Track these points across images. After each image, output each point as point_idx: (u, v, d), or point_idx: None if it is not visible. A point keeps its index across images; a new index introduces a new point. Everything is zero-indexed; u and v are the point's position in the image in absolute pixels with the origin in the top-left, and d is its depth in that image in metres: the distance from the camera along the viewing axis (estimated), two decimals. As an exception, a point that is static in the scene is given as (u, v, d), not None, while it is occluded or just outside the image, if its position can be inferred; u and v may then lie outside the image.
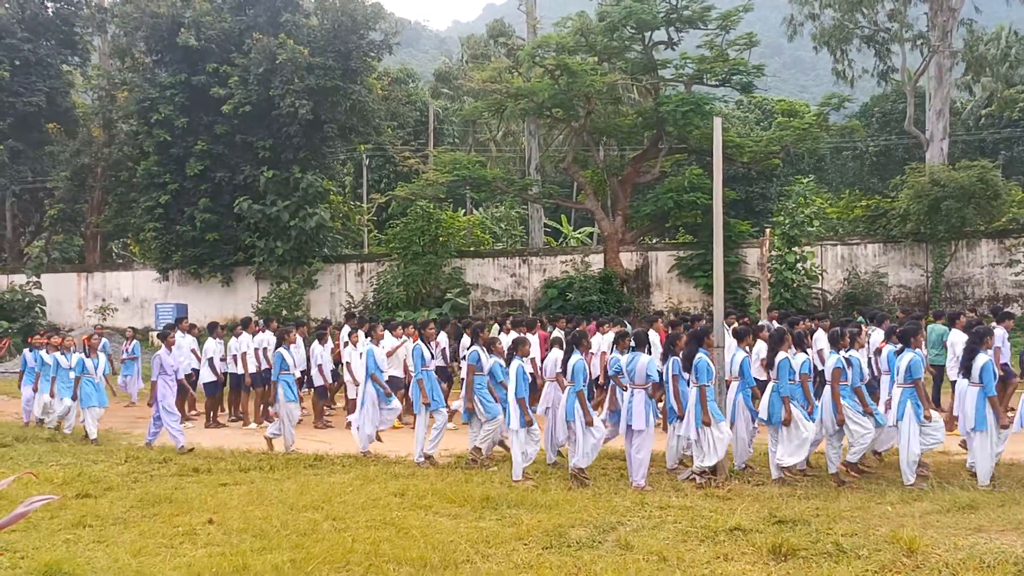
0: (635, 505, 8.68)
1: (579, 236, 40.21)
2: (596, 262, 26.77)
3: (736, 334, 10.94)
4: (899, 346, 10.07)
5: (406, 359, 13.55)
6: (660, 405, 11.02)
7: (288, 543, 7.48)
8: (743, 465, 10.52)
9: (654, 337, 12.49)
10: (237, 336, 15.85)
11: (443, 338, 15.38)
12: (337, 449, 12.25)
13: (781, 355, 9.97)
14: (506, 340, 13.87)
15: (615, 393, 10.64)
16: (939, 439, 9.61)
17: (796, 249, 24.26)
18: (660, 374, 10.18)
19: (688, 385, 9.97)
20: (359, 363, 15.22)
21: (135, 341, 19.23)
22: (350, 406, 15.31)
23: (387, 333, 14.12)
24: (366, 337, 12.56)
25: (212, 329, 16.30)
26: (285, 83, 27.33)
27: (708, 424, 9.59)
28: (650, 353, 10.17)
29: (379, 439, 12.24)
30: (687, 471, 10.07)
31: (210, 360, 15.77)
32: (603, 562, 6.81)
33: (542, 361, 12.97)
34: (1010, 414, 10.41)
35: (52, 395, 14.81)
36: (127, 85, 30.30)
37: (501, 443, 11.34)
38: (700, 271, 26.04)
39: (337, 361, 15.98)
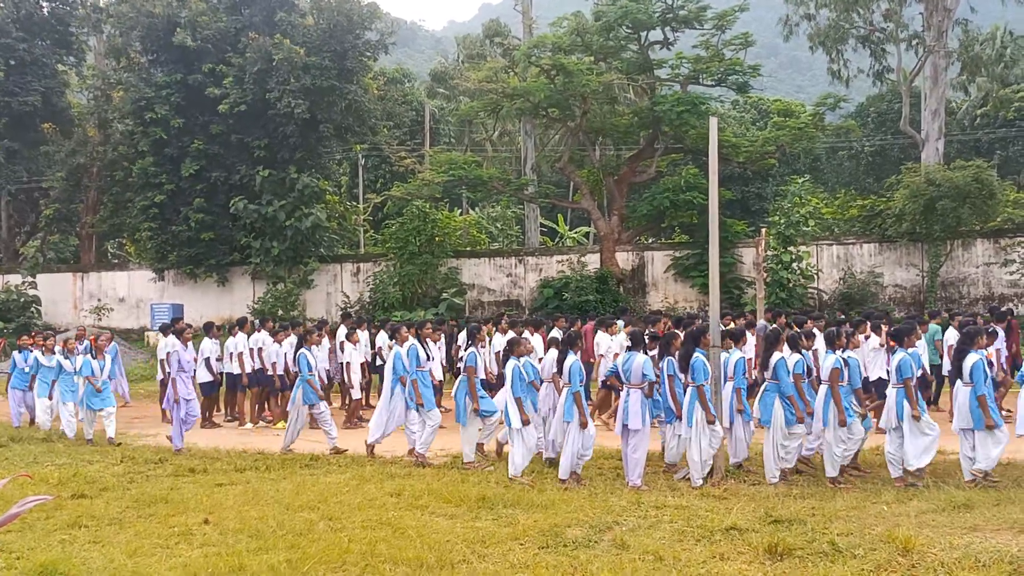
0: (631, 505, 8.68)
1: (575, 236, 40.23)
2: (592, 262, 26.78)
3: (730, 334, 10.95)
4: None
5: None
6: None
7: (284, 543, 7.46)
8: (739, 465, 10.53)
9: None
10: (234, 335, 15.83)
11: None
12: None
13: (776, 355, 9.97)
14: (503, 340, 13.93)
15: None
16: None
17: (792, 249, 24.30)
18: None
19: (684, 385, 9.99)
20: (358, 363, 15.23)
21: (112, 342, 18.86)
22: (354, 407, 15.30)
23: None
24: (390, 339, 12.34)
25: (208, 329, 16.27)
26: (281, 83, 27.31)
27: (712, 422, 9.61)
28: (646, 353, 10.18)
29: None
30: (683, 471, 10.08)
31: (206, 360, 15.72)
32: (599, 562, 6.81)
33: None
34: (1004, 413, 10.44)
35: (51, 397, 14.66)
36: (123, 85, 30.25)
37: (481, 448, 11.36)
38: (696, 271, 26.05)
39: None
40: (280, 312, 26.52)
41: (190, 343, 14.20)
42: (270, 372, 15.42)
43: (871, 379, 13.02)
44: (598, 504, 8.75)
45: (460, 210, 39.03)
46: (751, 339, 12.13)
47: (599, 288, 25.14)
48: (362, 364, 15.53)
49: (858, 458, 10.38)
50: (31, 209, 36.51)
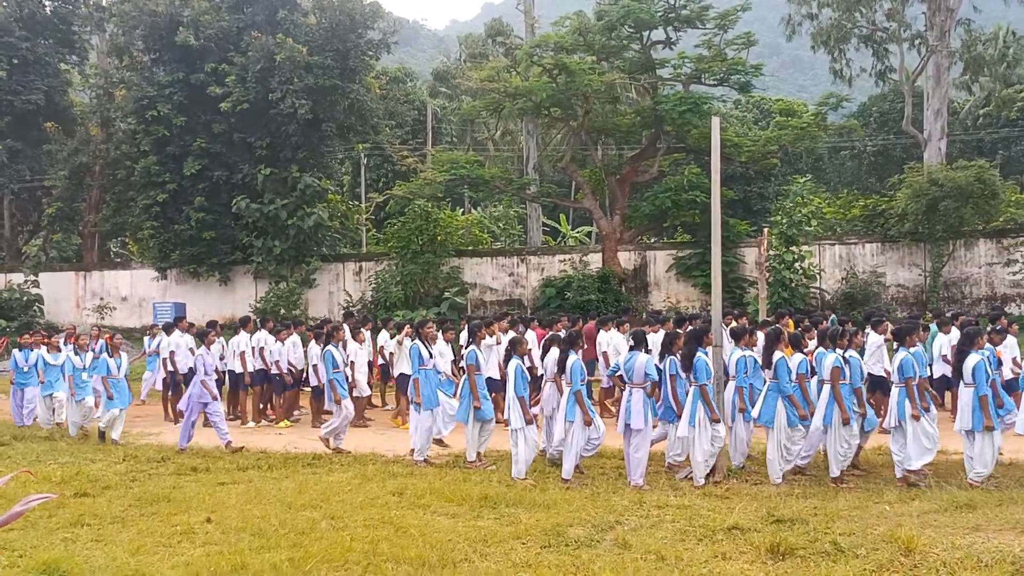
0: (633, 504, 8.68)
1: (577, 235, 40.22)
2: (594, 261, 26.78)
3: (733, 333, 10.94)
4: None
5: (499, 360, 13.43)
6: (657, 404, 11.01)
7: (286, 542, 7.47)
8: (741, 464, 10.53)
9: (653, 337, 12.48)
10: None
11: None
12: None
13: (778, 355, 9.96)
14: (503, 339, 13.92)
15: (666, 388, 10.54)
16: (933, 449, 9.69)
17: (794, 248, 24.28)
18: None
19: (687, 385, 9.98)
20: (363, 362, 15.19)
21: (100, 340, 18.68)
22: (360, 406, 15.29)
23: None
24: (471, 339, 12.21)
25: (211, 328, 16.26)
26: (283, 82, 27.33)
27: (717, 421, 9.60)
28: (648, 352, 10.17)
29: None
30: (685, 470, 10.08)
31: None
32: (601, 561, 6.82)
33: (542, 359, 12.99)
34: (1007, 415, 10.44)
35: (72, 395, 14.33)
36: (125, 84, 30.28)
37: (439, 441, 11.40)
38: (698, 270, 26.05)
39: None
40: (282, 311, 26.52)
41: (213, 345, 14.01)
42: (274, 371, 15.43)
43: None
44: (600, 503, 8.75)
45: (462, 209, 39.00)
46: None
47: (601, 288, 25.14)
48: (368, 363, 15.54)
49: (858, 457, 10.38)
50: (34, 208, 36.55)
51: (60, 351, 15.05)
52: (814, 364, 10.26)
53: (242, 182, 28.64)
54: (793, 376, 9.91)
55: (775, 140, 26.22)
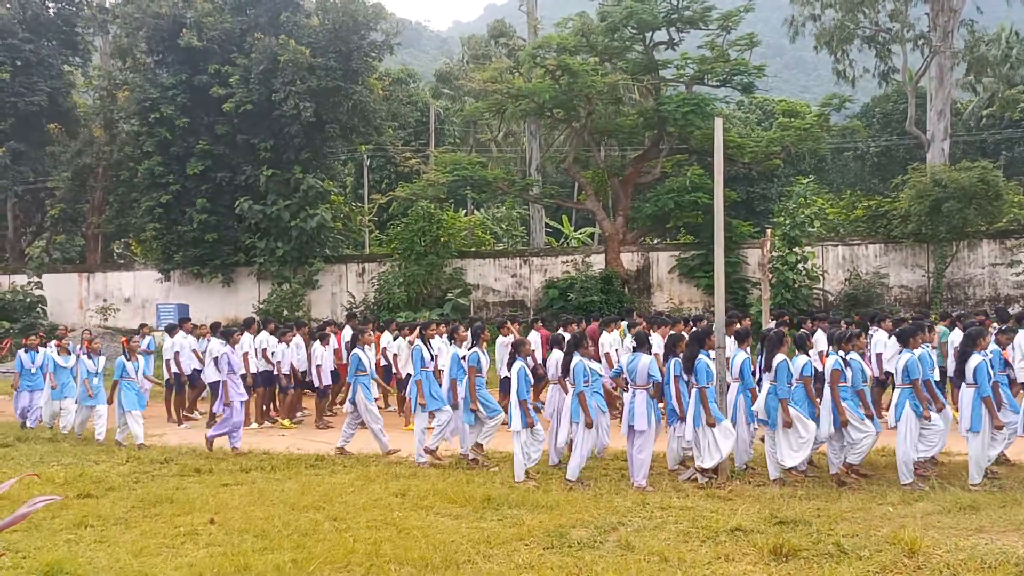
0: (636, 505, 8.68)
1: (580, 236, 40.22)
2: (597, 262, 26.79)
3: (737, 336, 10.94)
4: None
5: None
6: (661, 406, 11.01)
7: (289, 543, 7.48)
8: (744, 466, 10.52)
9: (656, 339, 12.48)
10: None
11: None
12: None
13: (779, 357, 9.94)
14: (505, 341, 13.93)
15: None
16: (934, 445, 9.67)
17: (797, 250, 24.27)
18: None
19: (688, 386, 9.97)
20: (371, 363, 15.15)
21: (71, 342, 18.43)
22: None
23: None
24: (450, 341, 12.17)
25: (215, 329, 16.29)
26: (286, 83, 27.37)
27: (712, 425, 9.58)
28: (651, 353, 10.16)
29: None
30: (688, 471, 10.07)
31: (215, 359, 15.69)
32: (604, 562, 6.82)
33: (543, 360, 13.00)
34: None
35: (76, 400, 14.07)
36: (128, 85, 30.34)
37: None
38: (701, 271, 26.04)
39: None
40: (285, 313, 26.56)
41: (238, 345, 13.87)
42: (276, 372, 15.43)
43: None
44: (603, 505, 8.75)
45: (465, 211, 39.03)
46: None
47: (604, 289, 25.14)
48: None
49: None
50: (37, 209, 36.62)
51: (70, 354, 14.84)
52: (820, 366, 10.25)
53: (245, 183, 28.68)
54: (796, 378, 9.90)
55: (778, 141, 26.23)
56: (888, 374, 12.71)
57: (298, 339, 15.83)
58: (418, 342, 12.07)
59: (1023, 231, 24.61)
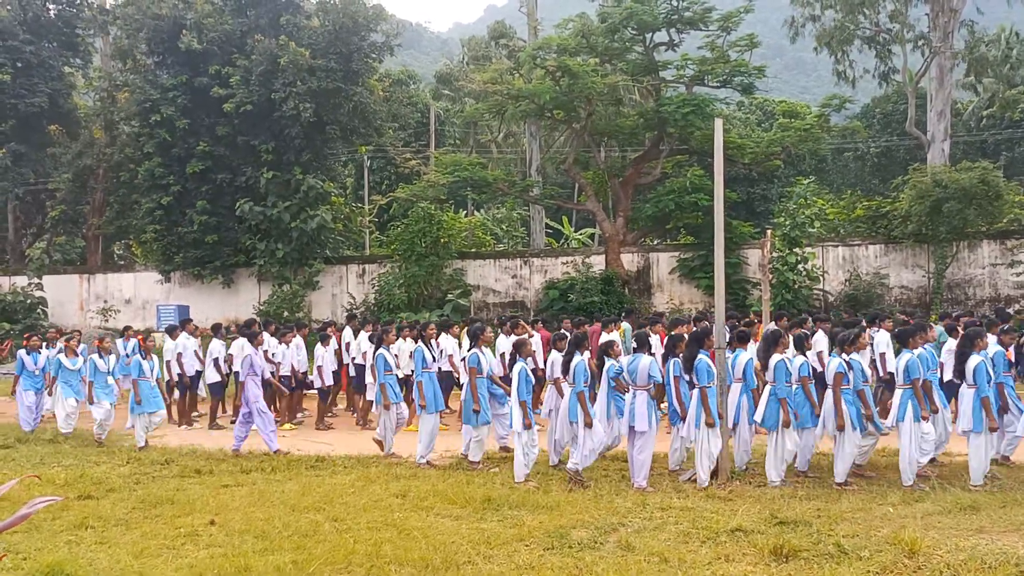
0: (636, 506, 8.68)
1: (580, 237, 40.24)
2: (597, 263, 26.79)
3: (739, 336, 10.94)
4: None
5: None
6: (662, 406, 11.03)
7: (290, 544, 7.49)
8: (744, 466, 10.52)
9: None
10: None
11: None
12: (339, 450, 12.25)
13: (776, 357, 9.95)
14: (507, 342, 13.93)
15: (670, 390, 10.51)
16: (930, 448, 9.68)
17: (797, 250, 24.26)
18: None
19: (689, 387, 9.98)
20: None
21: (82, 344, 18.31)
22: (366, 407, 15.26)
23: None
24: (473, 341, 12.08)
25: (216, 330, 16.30)
26: (287, 85, 27.37)
27: (711, 425, 9.59)
28: (652, 354, 10.17)
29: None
30: (688, 472, 10.07)
31: (215, 360, 15.72)
32: (604, 563, 6.82)
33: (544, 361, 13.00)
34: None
35: (92, 401, 13.83)
36: (128, 87, 30.35)
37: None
38: (701, 272, 26.04)
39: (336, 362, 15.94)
40: (285, 314, 26.56)
41: (261, 346, 13.74)
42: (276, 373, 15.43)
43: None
44: (603, 506, 8.75)
45: (465, 211, 39.05)
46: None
47: (604, 289, 25.13)
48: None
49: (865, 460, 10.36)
50: (38, 211, 36.63)
51: (78, 355, 14.64)
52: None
53: (245, 184, 28.68)
54: (794, 378, 9.90)
55: (778, 142, 26.22)
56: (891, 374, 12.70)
57: (298, 340, 15.85)
58: (420, 343, 12.08)
59: (1023, 232, 24.61)
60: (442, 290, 27.12)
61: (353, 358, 15.69)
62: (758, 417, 10.06)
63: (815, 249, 25.45)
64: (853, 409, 9.59)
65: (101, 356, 13.85)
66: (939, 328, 14.44)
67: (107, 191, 33.12)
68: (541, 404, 12.29)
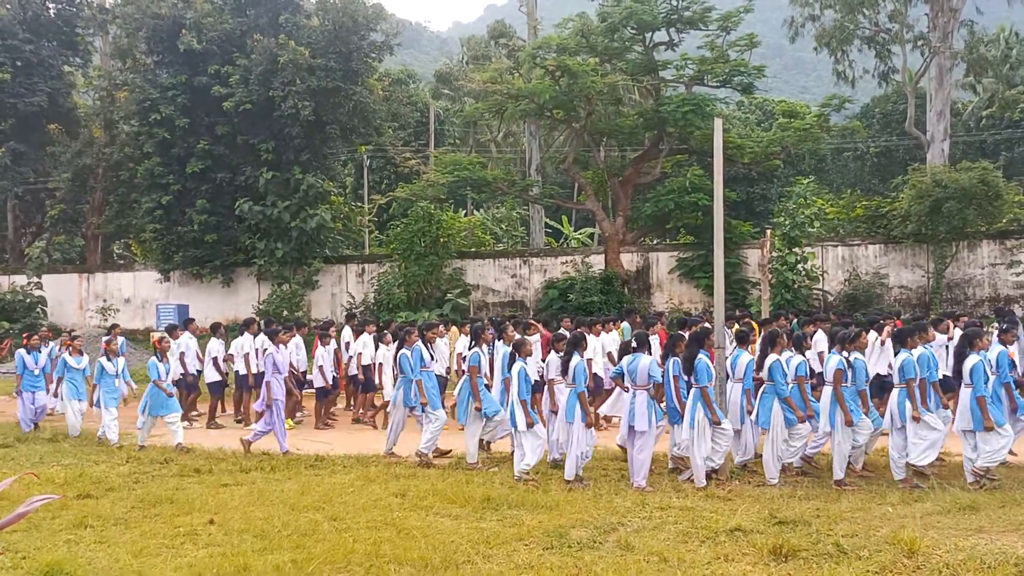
0: (636, 506, 8.68)
1: (580, 237, 40.24)
2: (597, 263, 26.79)
3: (739, 336, 10.94)
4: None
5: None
6: (661, 406, 11.01)
7: (289, 544, 7.48)
8: (743, 465, 10.52)
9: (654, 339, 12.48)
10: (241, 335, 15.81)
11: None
12: (338, 450, 12.25)
13: (772, 357, 9.95)
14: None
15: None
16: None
17: (797, 250, 24.27)
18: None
19: (688, 387, 9.98)
20: (389, 364, 14.93)
21: (121, 338, 18.09)
22: (382, 407, 15.22)
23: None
24: (498, 339, 12.02)
25: (215, 329, 16.29)
26: (286, 84, 27.36)
27: (718, 423, 9.59)
28: (651, 354, 10.17)
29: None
30: (687, 472, 10.08)
31: (214, 360, 15.71)
32: (604, 563, 6.82)
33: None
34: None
35: (93, 404, 13.65)
36: (128, 86, 30.34)
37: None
38: (701, 272, 26.05)
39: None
40: (285, 313, 26.56)
41: (282, 345, 13.61)
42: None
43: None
44: (603, 505, 8.75)
45: (465, 211, 39.05)
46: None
47: (604, 289, 25.13)
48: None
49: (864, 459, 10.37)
50: (37, 210, 36.62)
51: (82, 355, 14.49)
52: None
53: (245, 184, 28.68)
54: (791, 378, 9.90)
55: (778, 141, 26.22)
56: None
57: (297, 339, 15.83)
58: (419, 343, 12.06)
59: (1023, 231, 24.61)
60: (441, 289, 27.12)
61: (360, 355, 15.65)
62: (754, 417, 10.07)
63: (814, 249, 25.45)
64: (851, 405, 9.62)
65: (109, 359, 13.60)
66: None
67: (107, 190, 33.11)
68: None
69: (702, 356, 9.82)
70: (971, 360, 9.55)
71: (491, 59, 41.93)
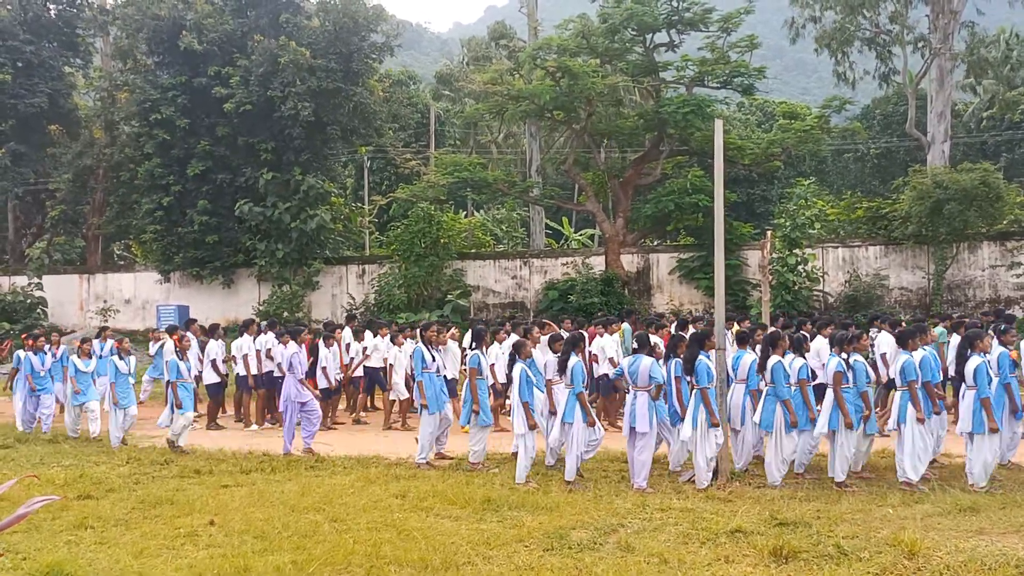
0: (636, 507, 8.68)
1: (580, 238, 40.26)
2: (597, 264, 26.78)
3: (740, 337, 10.94)
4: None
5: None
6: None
7: (289, 544, 7.48)
8: (744, 468, 10.51)
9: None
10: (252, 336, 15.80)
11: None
12: (339, 451, 12.25)
13: (774, 359, 9.94)
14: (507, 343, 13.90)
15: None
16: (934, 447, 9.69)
17: (797, 251, 24.26)
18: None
19: (689, 388, 9.98)
20: (402, 365, 14.92)
21: (63, 347, 16.44)
22: (402, 407, 15.21)
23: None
24: (476, 342, 11.97)
25: (213, 331, 16.27)
26: (287, 85, 27.37)
27: (717, 426, 9.58)
28: (652, 355, 10.15)
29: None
30: (688, 473, 10.07)
31: (213, 361, 15.70)
32: (604, 564, 6.82)
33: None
34: None
35: (116, 402, 13.35)
36: (129, 87, 30.34)
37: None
38: (701, 273, 26.04)
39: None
40: (285, 314, 26.55)
41: (237, 346, 13.54)
42: (277, 374, 15.40)
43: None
44: (603, 506, 8.75)
45: (465, 212, 39.06)
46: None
47: (604, 290, 25.13)
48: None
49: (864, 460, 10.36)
50: (37, 211, 36.62)
51: (91, 357, 14.32)
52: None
53: (245, 185, 28.68)
54: (793, 380, 9.89)
55: (778, 143, 26.22)
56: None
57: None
58: (419, 344, 12.05)
59: (1023, 233, 24.60)
60: (442, 291, 27.12)
61: (368, 354, 15.66)
62: (756, 418, 10.07)
63: (815, 250, 25.44)
64: (851, 408, 9.61)
65: (122, 358, 13.44)
66: (939, 329, 14.45)
67: (107, 191, 33.11)
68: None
69: (702, 357, 9.81)
70: (973, 362, 9.55)
71: (491, 60, 41.97)
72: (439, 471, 10.82)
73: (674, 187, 25.74)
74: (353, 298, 29.23)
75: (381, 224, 37.38)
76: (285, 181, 28.23)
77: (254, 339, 15.68)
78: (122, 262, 39.01)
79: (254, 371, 15.50)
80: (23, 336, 16.19)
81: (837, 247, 26.13)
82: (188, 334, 14.69)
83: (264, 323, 17.31)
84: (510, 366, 10.68)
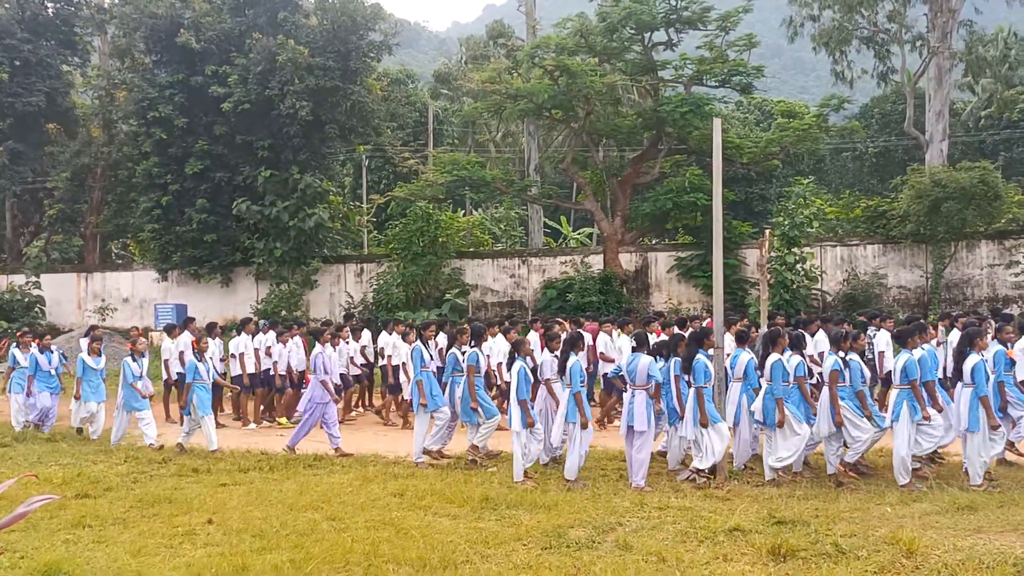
0: (634, 506, 8.68)
1: (578, 237, 40.25)
2: (595, 263, 26.78)
3: (739, 336, 10.95)
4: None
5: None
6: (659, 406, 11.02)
7: (287, 543, 7.48)
8: (743, 466, 10.52)
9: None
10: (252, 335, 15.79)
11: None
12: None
13: (773, 357, 9.96)
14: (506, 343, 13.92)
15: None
16: (937, 440, 9.66)
17: (795, 250, 24.26)
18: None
19: (688, 386, 9.99)
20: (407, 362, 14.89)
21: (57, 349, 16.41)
22: (404, 406, 15.19)
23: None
24: (475, 340, 11.94)
25: (211, 330, 16.28)
26: (285, 83, 27.33)
27: (705, 425, 9.59)
28: (650, 354, 10.17)
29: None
30: (686, 471, 10.08)
31: (232, 358, 15.68)
32: (602, 563, 6.82)
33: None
34: None
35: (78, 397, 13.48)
36: (126, 85, 30.30)
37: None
38: (700, 272, 26.04)
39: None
40: (284, 313, 26.54)
41: (328, 344, 13.37)
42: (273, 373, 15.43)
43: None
44: (601, 505, 8.75)
45: (463, 211, 39.03)
46: None
47: (602, 289, 25.12)
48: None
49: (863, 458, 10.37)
50: (35, 209, 36.58)
51: (101, 355, 14.17)
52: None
53: (243, 184, 28.65)
54: (791, 378, 9.90)
55: (777, 142, 26.21)
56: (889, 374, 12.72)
57: (296, 339, 15.83)
58: (418, 342, 12.06)
59: (1022, 232, 24.61)
60: (440, 289, 27.10)
61: (381, 350, 15.63)
62: (758, 416, 10.08)
63: (813, 249, 25.44)
64: (851, 404, 9.62)
65: (134, 359, 13.29)
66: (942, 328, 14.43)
67: (105, 190, 33.08)
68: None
69: (700, 356, 9.82)
70: (971, 360, 9.56)
71: (490, 59, 41.94)
72: (437, 470, 10.82)
73: (672, 186, 25.73)
74: (351, 297, 29.22)
75: (379, 223, 37.36)
76: (283, 180, 28.20)
77: (252, 338, 15.68)
78: (120, 261, 38.97)
79: (251, 370, 15.51)
80: (19, 334, 16.17)
81: (835, 246, 26.14)
82: (207, 336, 14.57)
83: (264, 322, 17.33)
84: (509, 364, 10.68)
